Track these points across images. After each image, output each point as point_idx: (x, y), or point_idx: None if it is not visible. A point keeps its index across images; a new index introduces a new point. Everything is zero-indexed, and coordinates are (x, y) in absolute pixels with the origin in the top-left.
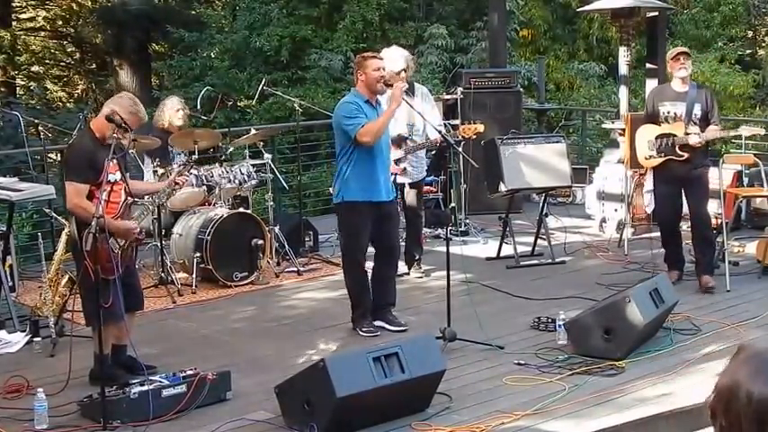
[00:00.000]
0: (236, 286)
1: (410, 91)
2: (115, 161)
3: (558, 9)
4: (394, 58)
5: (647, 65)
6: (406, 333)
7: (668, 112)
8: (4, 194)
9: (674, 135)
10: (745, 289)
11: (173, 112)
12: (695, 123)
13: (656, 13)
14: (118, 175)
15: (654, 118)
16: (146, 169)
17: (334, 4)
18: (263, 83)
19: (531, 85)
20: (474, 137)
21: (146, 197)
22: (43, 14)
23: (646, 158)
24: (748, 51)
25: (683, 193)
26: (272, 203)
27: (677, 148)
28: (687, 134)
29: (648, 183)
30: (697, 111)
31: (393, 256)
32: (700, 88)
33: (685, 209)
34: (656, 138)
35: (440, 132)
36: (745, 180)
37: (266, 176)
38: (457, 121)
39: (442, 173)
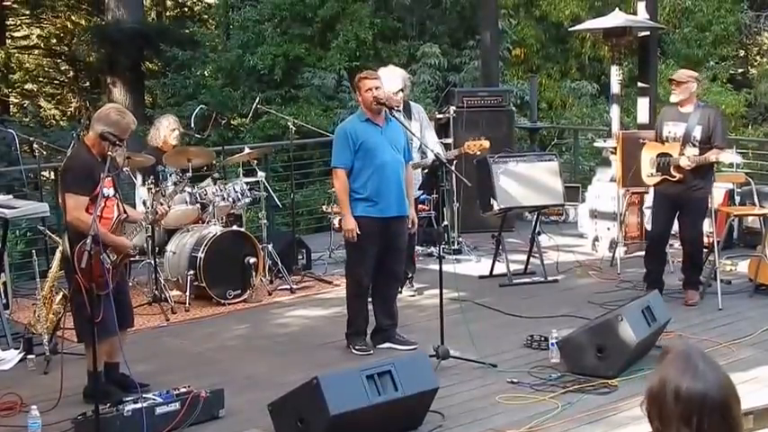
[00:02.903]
0: (229, 304)
1: (406, 110)
2: (110, 177)
3: (550, 28)
4: (390, 78)
5: (639, 84)
6: (399, 351)
7: (669, 132)
8: None
9: (671, 155)
10: (737, 307)
11: (168, 131)
12: (694, 145)
13: (648, 33)
14: (112, 191)
15: (660, 137)
16: (138, 186)
17: (328, 23)
18: (256, 101)
19: (523, 103)
20: (479, 153)
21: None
22: (37, 32)
23: (647, 176)
24: (740, 70)
25: (678, 214)
26: (265, 221)
27: (672, 169)
28: (681, 155)
29: (650, 200)
30: (696, 133)
31: (395, 277)
32: (705, 110)
33: (676, 228)
34: (657, 156)
35: (432, 151)
36: (737, 199)
37: (260, 194)
38: (449, 140)
39: (434, 191)
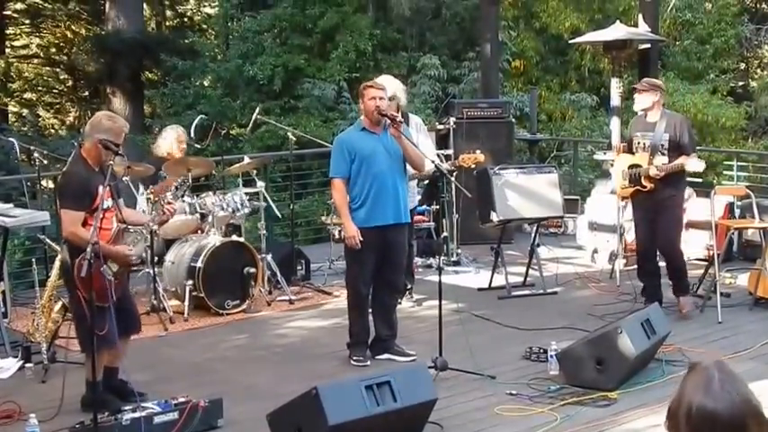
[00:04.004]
0: (227, 314)
1: (404, 121)
2: (108, 187)
3: (550, 40)
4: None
5: None
6: (397, 362)
7: (639, 143)
8: None
9: (641, 165)
10: (736, 320)
11: (176, 143)
12: (663, 153)
13: (649, 46)
14: (110, 202)
15: (630, 148)
16: (139, 197)
17: (328, 33)
18: (256, 111)
19: (523, 115)
20: (474, 166)
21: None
22: (37, 42)
23: (620, 188)
24: (740, 83)
25: (655, 224)
26: (264, 232)
27: (643, 179)
28: (650, 165)
29: (629, 211)
30: (664, 141)
31: (394, 287)
32: (672, 117)
33: None
34: (629, 167)
35: (433, 162)
36: (737, 212)
37: (259, 205)
38: (449, 151)
39: (434, 202)
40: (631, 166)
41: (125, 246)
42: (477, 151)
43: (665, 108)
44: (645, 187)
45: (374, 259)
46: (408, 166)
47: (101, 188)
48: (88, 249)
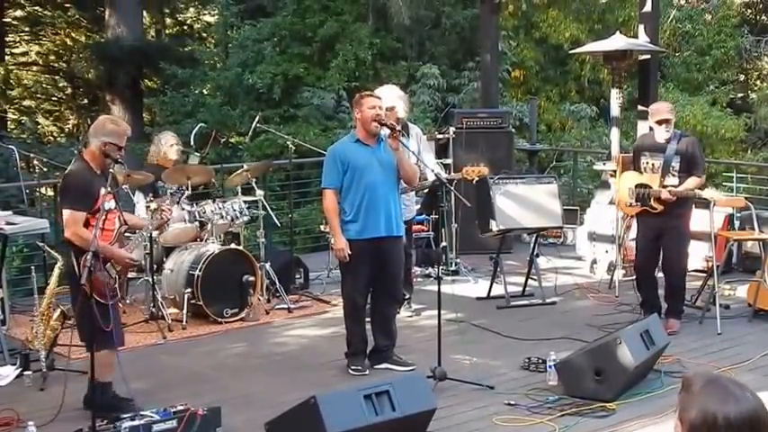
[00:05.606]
0: (226, 322)
1: (405, 131)
2: (111, 192)
3: (549, 50)
4: (384, 96)
5: (639, 107)
6: (396, 372)
7: (647, 163)
8: None
9: (651, 187)
10: (735, 332)
11: (167, 146)
12: (674, 175)
13: (648, 56)
14: (113, 204)
15: (637, 165)
16: (138, 204)
17: (327, 42)
18: (255, 120)
19: (522, 125)
20: (477, 179)
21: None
22: (36, 49)
23: (626, 206)
24: (740, 95)
25: (661, 241)
26: (263, 240)
27: (652, 201)
28: (662, 187)
29: (634, 228)
30: (675, 163)
31: (393, 297)
32: (682, 139)
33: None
34: (636, 186)
35: (434, 172)
36: (737, 223)
37: (258, 213)
38: (449, 161)
39: (433, 212)
40: (639, 186)
41: (125, 251)
42: (482, 164)
43: (675, 128)
44: (655, 209)
45: (368, 270)
46: (425, 172)
47: (102, 190)
48: (88, 257)
